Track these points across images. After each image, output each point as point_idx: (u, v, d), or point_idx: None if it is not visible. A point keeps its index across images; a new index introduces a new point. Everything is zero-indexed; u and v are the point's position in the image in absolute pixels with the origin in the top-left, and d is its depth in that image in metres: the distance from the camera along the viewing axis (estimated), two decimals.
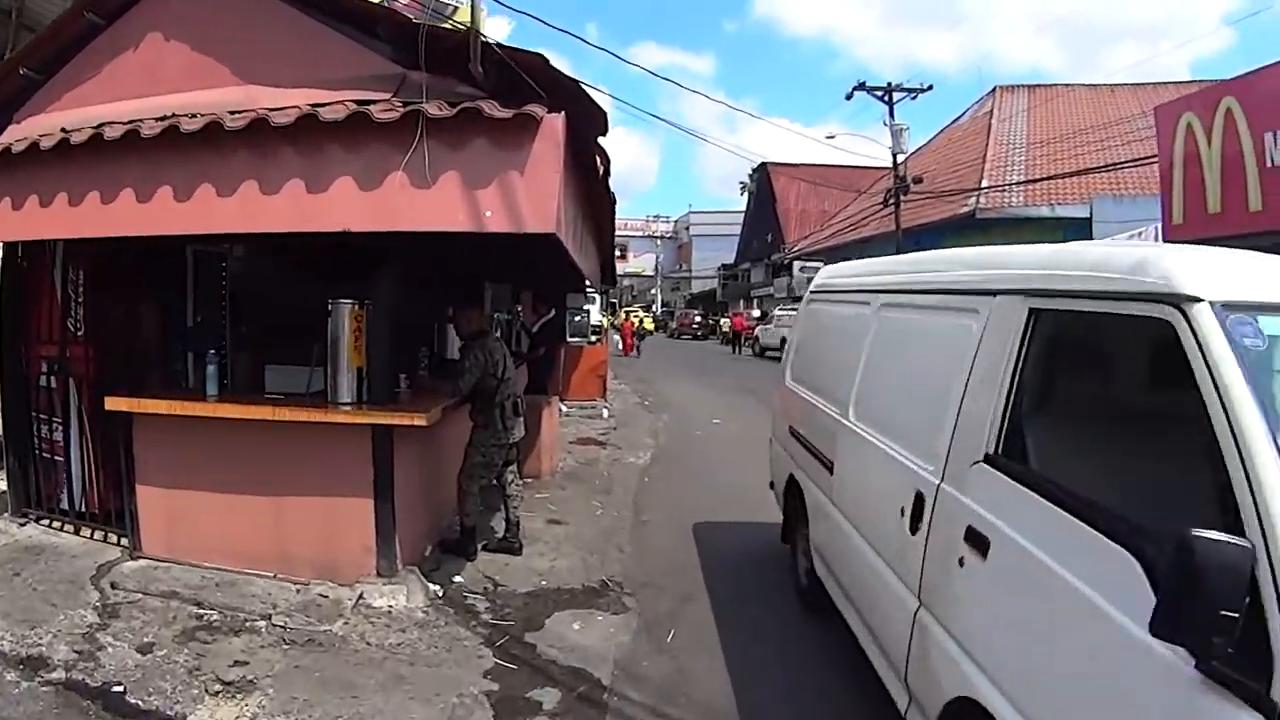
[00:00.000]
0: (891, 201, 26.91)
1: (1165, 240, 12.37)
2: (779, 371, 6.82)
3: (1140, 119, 23.44)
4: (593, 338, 17.44)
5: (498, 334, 11.20)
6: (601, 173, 5.93)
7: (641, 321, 38.21)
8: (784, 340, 32.89)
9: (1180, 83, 26.06)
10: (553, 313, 11.76)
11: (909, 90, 27.36)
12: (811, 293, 6.46)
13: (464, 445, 6.54)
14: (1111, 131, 23.35)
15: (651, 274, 78.42)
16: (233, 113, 4.72)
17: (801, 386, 6.11)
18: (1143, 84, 30.03)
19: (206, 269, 6.49)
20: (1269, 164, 10.51)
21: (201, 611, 5.12)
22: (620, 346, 33.26)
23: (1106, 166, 20.60)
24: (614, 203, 7.79)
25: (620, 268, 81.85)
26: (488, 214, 4.49)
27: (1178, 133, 11.96)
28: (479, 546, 6.66)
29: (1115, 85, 30.46)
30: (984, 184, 24.47)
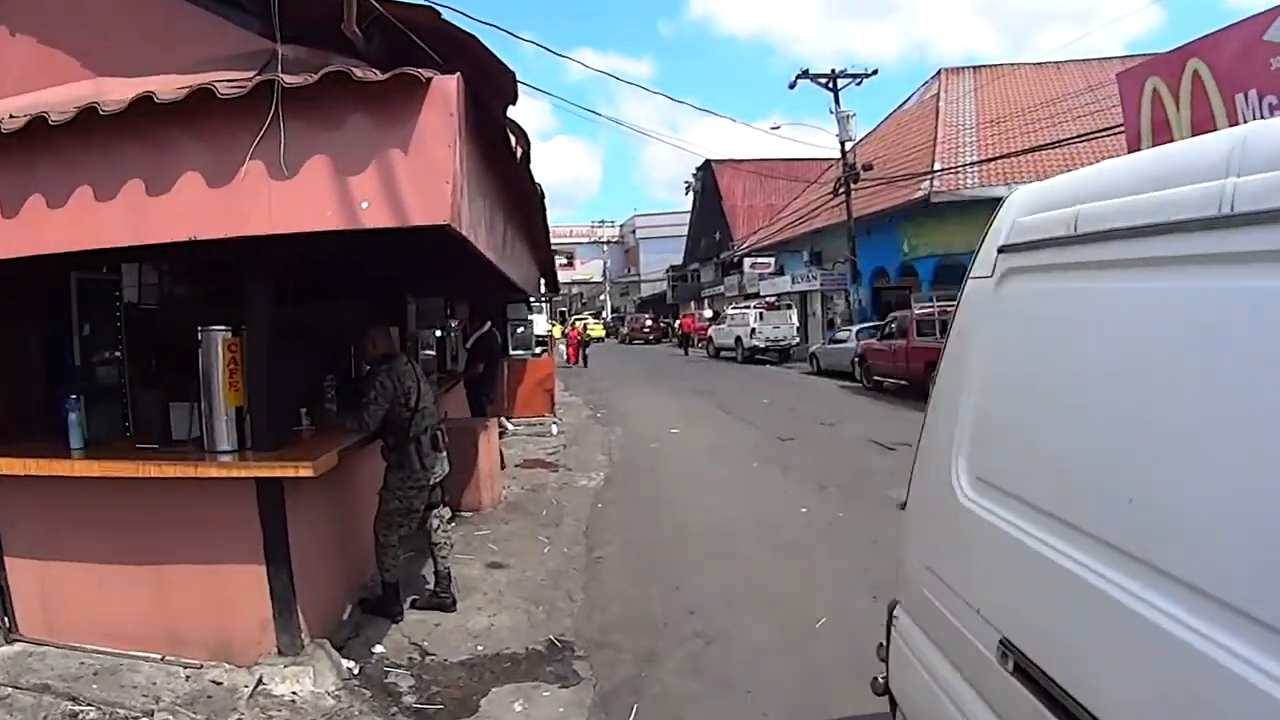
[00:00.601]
0: (842, 191, 26.29)
1: None
2: (913, 450, 3.11)
3: (1087, 94, 23.26)
4: (538, 349, 16.48)
5: (430, 350, 10.44)
6: (519, 155, 5.00)
7: (586, 329, 36.82)
8: (738, 340, 32.66)
9: (1124, 57, 25.78)
10: (488, 325, 10.87)
11: (853, 76, 26.88)
12: (1014, 250, 2.44)
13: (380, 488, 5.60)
14: (1062, 107, 23.05)
15: (600, 280, 77.48)
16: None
17: (1025, 516, 2.07)
18: (1088, 60, 29.84)
19: (95, 297, 5.52)
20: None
21: (77, 709, 4.19)
22: (565, 355, 31.89)
23: (1061, 141, 20.21)
24: (541, 196, 6.84)
25: (567, 275, 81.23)
26: (364, 205, 3.60)
27: (1143, 99, 11.38)
28: (406, 604, 5.74)
29: (1060, 63, 30.16)
30: (936, 167, 23.89)
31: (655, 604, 5.90)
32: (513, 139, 4.75)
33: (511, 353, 15.34)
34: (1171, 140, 11.06)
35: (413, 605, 5.80)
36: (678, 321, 43.20)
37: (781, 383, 22.55)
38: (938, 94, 29.37)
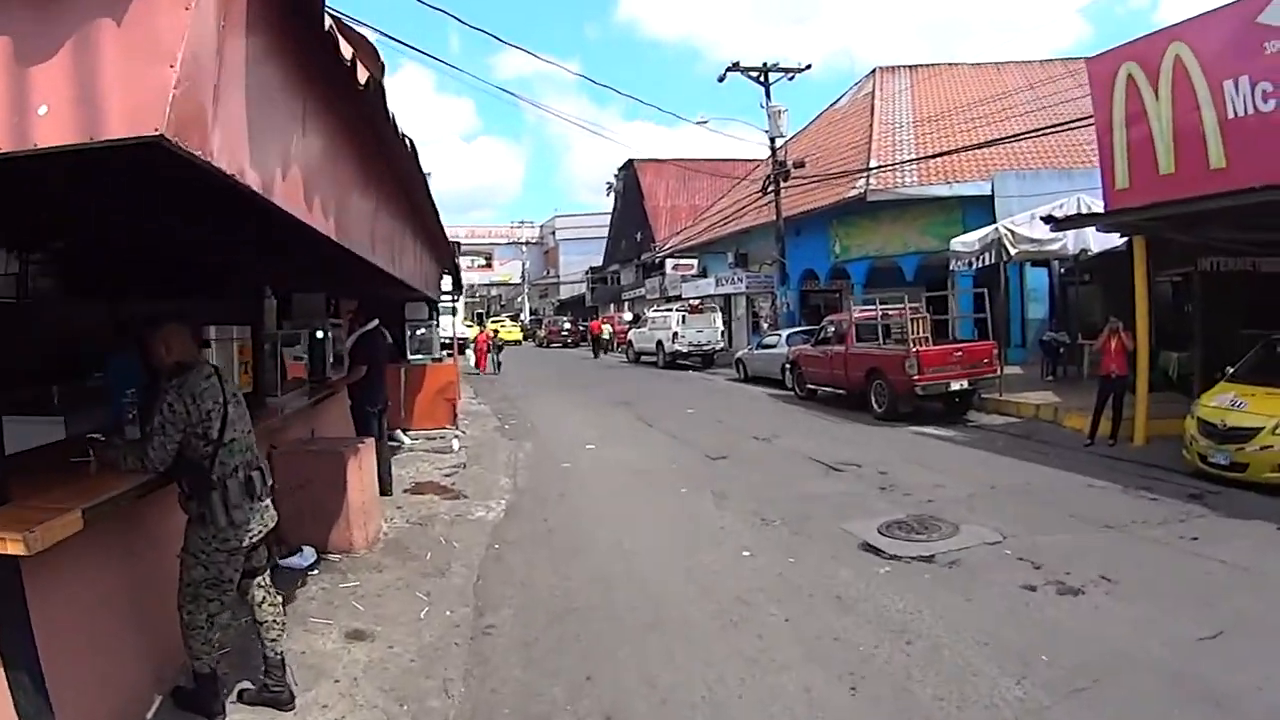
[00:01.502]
0: (771, 189, 25.09)
1: (1109, 208, 10.69)
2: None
3: (1027, 93, 22.61)
4: (442, 354, 14.74)
5: (299, 352, 8.77)
6: (367, 83, 3.42)
7: (497, 333, 34.07)
8: (659, 344, 31.22)
9: (1071, 59, 25.18)
10: (374, 324, 9.21)
11: (785, 70, 25.67)
12: None
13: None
14: (1000, 106, 22.35)
15: (519, 282, 75.51)
16: None
17: None
18: (1028, 62, 29.47)
19: None
20: (1231, 115, 8.88)
21: None
22: (473, 361, 29.98)
23: (1014, 137, 19.33)
24: (415, 154, 5.21)
25: (485, 277, 79.35)
26: (41, 112, 2.01)
27: (1116, 87, 10.32)
28: (232, 696, 4.16)
29: (1000, 63, 29.64)
30: (872, 164, 22.82)
31: (559, 706, 4.33)
32: (345, 48, 3.17)
33: (410, 357, 13.64)
34: (1149, 132, 10.07)
35: (241, 698, 4.21)
36: (570, 325, 41.65)
37: (707, 391, 21.15)
38: (872, 92, 28.51)
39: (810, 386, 17.82)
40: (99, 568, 3.81)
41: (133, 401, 4.69)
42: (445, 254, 11.26)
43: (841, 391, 16.41)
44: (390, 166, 5.49)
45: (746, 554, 6.89)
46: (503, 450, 12.07)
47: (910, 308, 14.89)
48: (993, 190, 20.86)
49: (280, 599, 4.43)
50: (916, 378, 14.12)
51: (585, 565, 6.73)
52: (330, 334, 8.88)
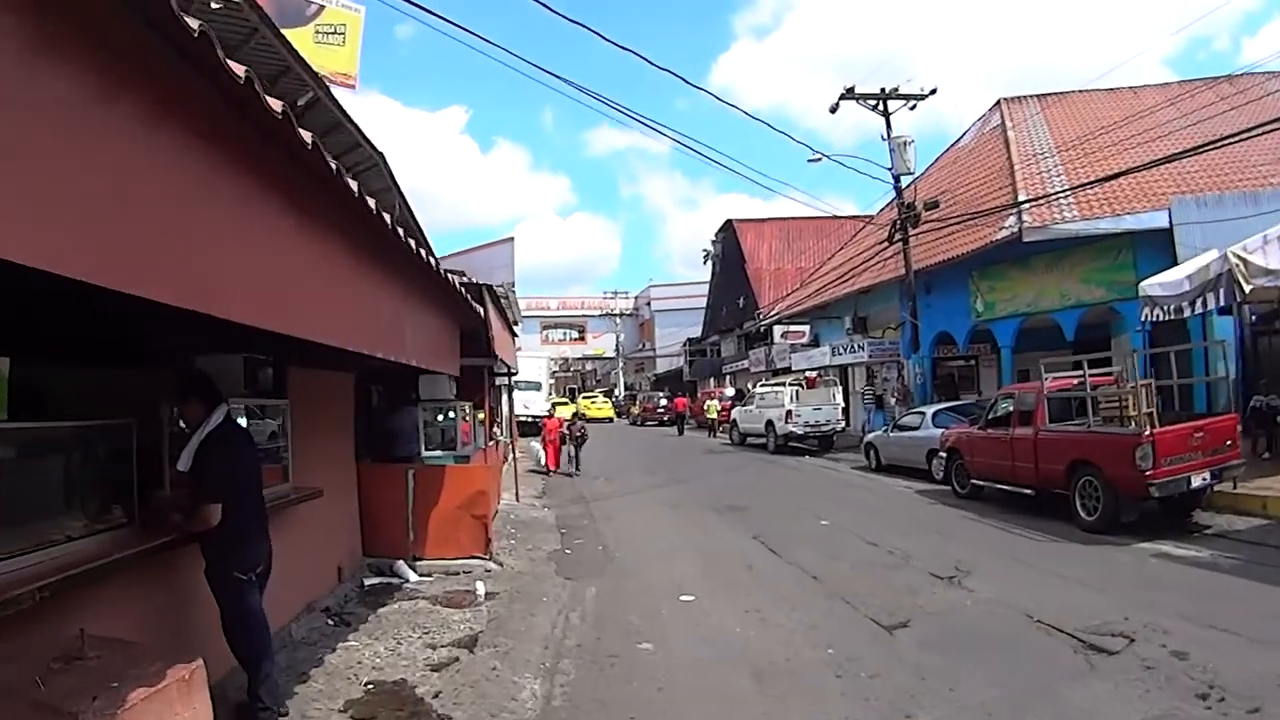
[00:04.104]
0: (898, 238, 20.90)
1: None
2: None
3: (1169, 109, 18.47)
4: (465, 448, 10.71)
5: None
6: None
7: (577, 416, 23.92)
8: (770, 424, 26.79)
9: (1214, 79, 20.88)
10: (221, 414, 4.89)
11: (906, 97, 21.66)
12: None
13: None
14: (1143, 126, 18.04)
15: (613, 355, 72.26)
16: None
17: None
18: (1165, 84, 25.15)
19: None
20: None
21: None
22: (542, 458, 21.29)
23: (1197, 149, 14.80)
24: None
25: (579, 350, 76.30)
26: None
27: None
28: None
29: (1138, 87, 25.25)
30: (1021, 198, 18.44)
31: None
32: None
33: (424, 454, 9.83)
34: None
35: None
36: (713, 402, 36.10)
37: (835, 487, 16.71)
38: (1002, 123, 24.14)
39: (976, 482, 13.36)
40: None
41: None
42: (460, 312, 7.51)
43: (1026, 491, 11.92)
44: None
45: None
46: (550, 604, 7.94)
47: (1131, 377, 10.53)
48: (1170, 221, 16.09)
49: None
50: (1150, 472, 9.71)
51: None
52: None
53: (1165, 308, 11.97)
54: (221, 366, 5.69)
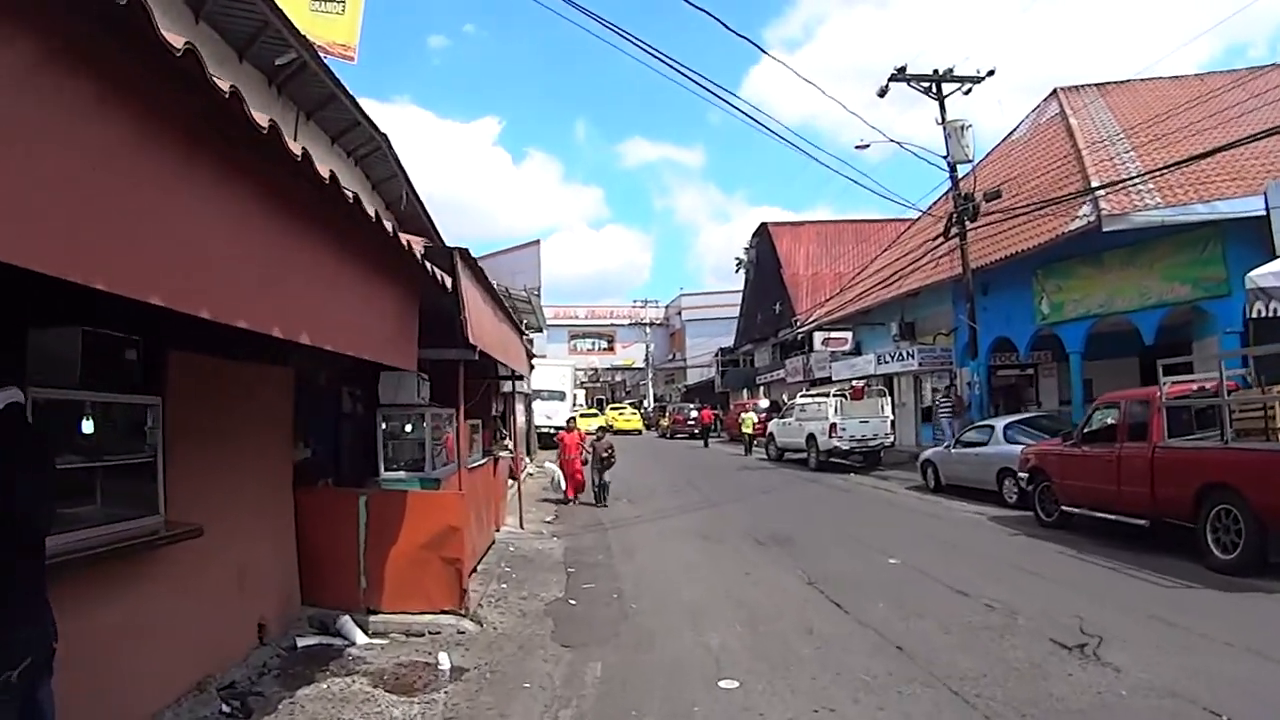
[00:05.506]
0: (954, 232, 18.85)
1: None
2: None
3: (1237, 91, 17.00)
4: (439, 469, 8.63)
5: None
6: None
7: (604, 431, 18.92)
8: (811, 438, 24.10)
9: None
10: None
11: (960, 79, 19.65)
12: None
13: None
14: (1212, 108, 16.05)
15: (642, 366, 70.39)
16: None
17: None
18: (1232, 70, 23.10)
19: None
20: None
21: None
22: (561, 482, 17.41)
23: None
24: None
25: (608, 360, 74.50)
26: None
27: None
28: None
29: (1204, 74, 23.29)
30: (1094, 185, 16.33)
31: None
32: None
33: (382, 476, 7.96)
34: None
35: None
36: (749, 415, 33.42)
37: (894, 513, 14.63)
38: (1061, 111, 22.11)
39: (1066, 509, 11.27)
40: None
41: None
42: (416, 283, 5.62)
43: (1137, 521, 9.82)
44: None
45: None
46: (534, 692, 5.77)
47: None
48: (1267, 206, 13.82)
49: None
50: None
51: None
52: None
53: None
54: (44, 342, 3.91)
